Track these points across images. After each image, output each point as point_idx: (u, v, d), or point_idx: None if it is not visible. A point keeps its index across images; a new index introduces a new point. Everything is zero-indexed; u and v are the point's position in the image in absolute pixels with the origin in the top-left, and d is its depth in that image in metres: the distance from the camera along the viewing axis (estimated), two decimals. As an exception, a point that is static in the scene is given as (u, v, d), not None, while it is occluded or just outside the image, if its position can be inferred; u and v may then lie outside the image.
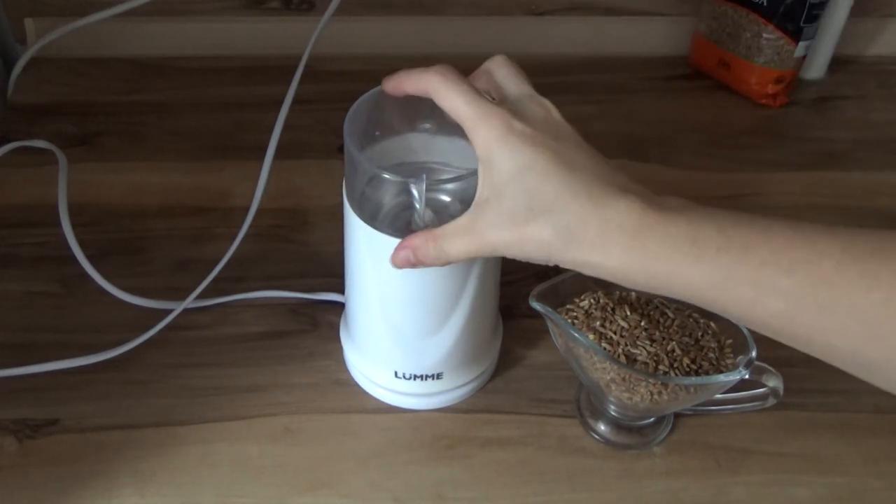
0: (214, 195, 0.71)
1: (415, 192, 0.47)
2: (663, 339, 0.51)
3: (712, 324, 0.53)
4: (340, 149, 0.76)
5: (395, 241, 0.46)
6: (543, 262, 0.41)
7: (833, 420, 0.57)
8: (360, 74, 0.84)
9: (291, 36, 0.74)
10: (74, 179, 0.68)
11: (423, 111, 0.49)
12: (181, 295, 0.61)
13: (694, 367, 0.51)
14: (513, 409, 0.57)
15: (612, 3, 0.86)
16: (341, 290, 0.58)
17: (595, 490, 0.53)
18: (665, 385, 0.50)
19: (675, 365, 0.50)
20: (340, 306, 0.60)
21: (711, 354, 0.52)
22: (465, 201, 0.46)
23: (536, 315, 0.52)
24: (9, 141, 0.74)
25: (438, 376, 0.55)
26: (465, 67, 0.93)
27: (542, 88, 0.90)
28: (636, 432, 0.56)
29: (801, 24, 0.78)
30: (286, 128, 0.64)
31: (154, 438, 0.55)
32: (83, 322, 0.60)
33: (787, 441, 0.56)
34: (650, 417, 0.56)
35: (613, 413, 0.55)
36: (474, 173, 0.42)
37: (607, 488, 0.53)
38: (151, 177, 0.72)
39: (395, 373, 0.55)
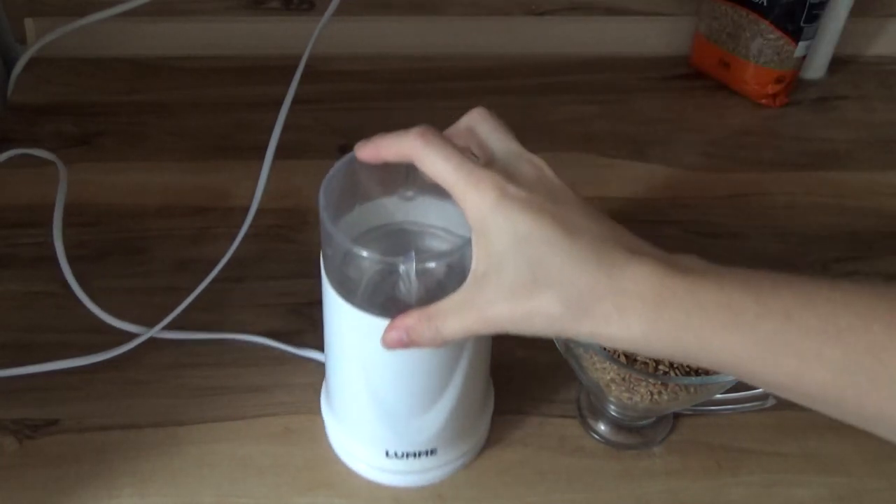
0: (214, 195, 0.71)
1: (404, 273, 0.43)
2: None
3: None
4: (340, 149, 0.76)
5: (380, 321, 0.43)
6: (554, 336, 0.39)
7: (833, 420, 0.57)
8: (360, 74, 0.84)
9: (291, 36, 0.74)
10: (74, 179, 0.68)
11: (403, 175, 0.46)
12: (181, 295, 0.61)
13: (694, 366, 0.51)
14: (513, 409, 0.57)
15: (612, 3, 0.86)
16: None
17: (595, 490, 0.53)
18: (665, 385, 0.50)
19: (675, 364, 0.50)
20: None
21: None
22: (452, 266, 0.44)
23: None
24: (9, 141, 0.75)
25: (432, 452, 0.51)
26: (464, 67, 0.93)
27: (542, 88, 0.90)
28: (636, 432, 0.56)
29: (801, 24, 0.78)
30: (286, 128, 0.64)
31: (154, 438, 0.55)
32: (83, 322, 0.60)
33: (787, 441, 0.56)
34: (650, 417, 0.56)
35: (613, 413, 0.55)
36: (467, 242, 0.39)
37: (607, 488, 0.53)
38: (151, 177, 0.72)
39: (386, 452, 0.51)
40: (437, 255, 0.43)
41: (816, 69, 0.87)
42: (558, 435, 0.56)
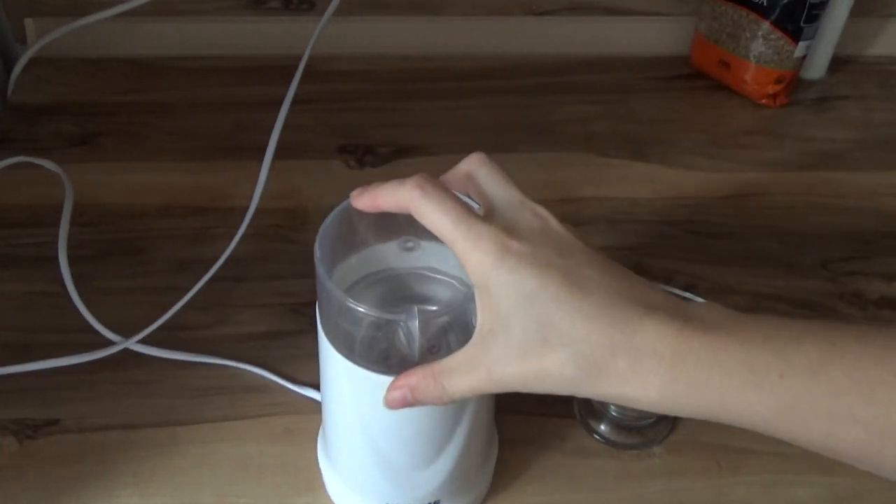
0: (214, 195, 0.71)
1: (405, 329, 0.41)
2: None
3: None
4: (340, 149, 0.76)
5: (379, 377, 0.42)
6: (568, 394, 0.37)
7: (833, 420, 0.57)
8: (360, 74, 0.84)
9: (291, 36, 0.74)
10: (74, 179, 0.68)
11: (401, 222, 0.44)
12: (181, 294, 0.61)
13: None
14: (513, 409, 0.57)
15: (612, 3, 0.86)
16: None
17: (595, 490, 0.53)
18: None
19: None
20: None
21: None
22: (456, 317, 0.44)
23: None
24: (9, 141, 0.75)
25: None
26: (464, 67, 0.93)
27: (542, 88, 0.90)
28: (636, 432, 0.56)
29: (801, 24, 0.78)
30: (286, 128, 0.64)
31: (154, 438, 0.55)
32: (83, 322, 0.60)
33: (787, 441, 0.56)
34: (651, 418, 0.56)
35: (614, 413, 0.55)
36: (470, 292, 0.38)
37: (607, 488, 0.53)
38: (151, 177, 0.72)
39: None
40: (440, 311, 0.41)
41: (816, 69, 0.87)
42: (558, 435, 0.56)
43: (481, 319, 0.37)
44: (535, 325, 0.35)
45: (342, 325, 0.44)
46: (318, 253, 0.41)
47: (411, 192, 0.37)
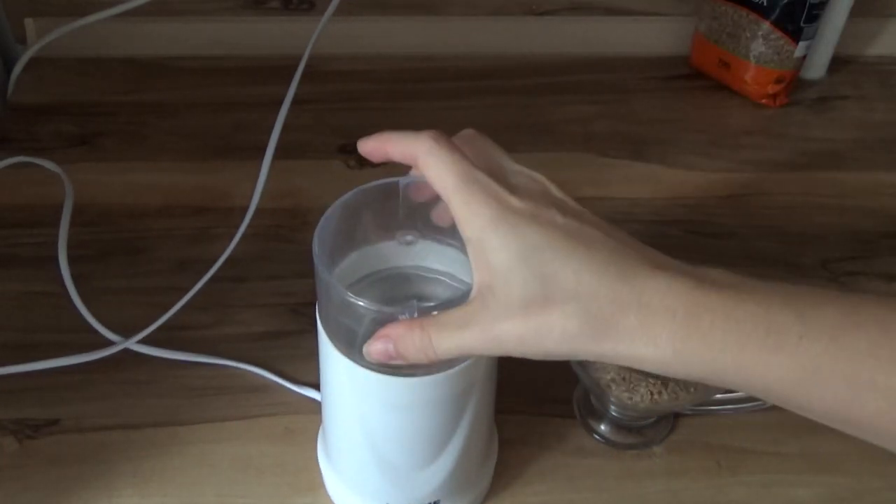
0: (214, 195, 0.71)
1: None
2: None
3: None
4: (340, 149, 0.76)
5: (378, 376, 0.42)
6: (567, 358, 0.36)
7: (833, 420, 0.57)
8: (360, 74, 0.84)
9: (291, 36, 0.74)
10: (74, 179, 0.68)
11: (401, 218, 0.44)
12: (181, 295, 0.61)
13: None
14: (513, 409, 0.57)
15: (612, 3, 0.86)
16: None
17: (595, 490, 0.53)
18: (665, 385, 0.50)
19: None
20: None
21: None
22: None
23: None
24: (9, 141, 0.75)
25: None
26: (464, 67, 0.93)
27: (542, 88, 0.90)
28: (636, 432, 0.56)
29: (801, 24, 0.78)
30: (286, 128, 0.64)
31: (154, 438, 0.55)
32: (83, 322, 0.60)
33: (787, 441, 0.56)
34: (650, 418, 0.56)
35: (614, 413, 0.55)
36: (470, 289, 0.38)
37: (607, 488, 0.53)
38: (151, 177, 0.72)
39: None
40: (439, 304, 0.40)
41: (816, 69, 0.87)
42: (558, 435, 0.56)
43: (478, 277, 0.36)
44: (537, 279, 0.34)
45: (342, 321, 0.44)
46: (316, 248, 0.41)
47: (424, 142, 0.37)
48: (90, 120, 0.78)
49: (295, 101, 0.64)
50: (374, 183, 0.43)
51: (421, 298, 0.49)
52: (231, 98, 0.81)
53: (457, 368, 0.42)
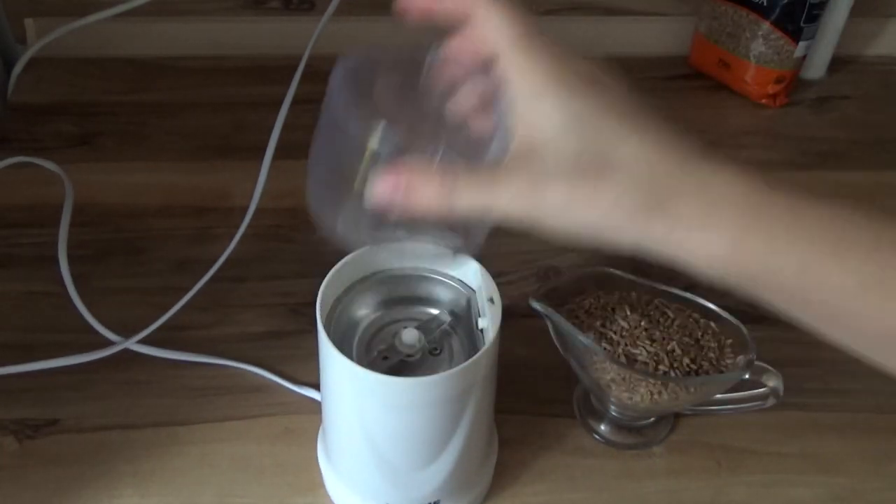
0: (214, 195, 0.71)
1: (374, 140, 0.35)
2: (663, 338, 0.51)
3: (712, 324, 0.53)
4: (340, 149, 0.76)
5: (380, 378, 0.42)
6: (607, 243, 0.32)
7: (833, 420, 0.57)
8: (360, 74, 0.84)
9: (291, 36, 0.74)
10: (74, 179, 0.68)
11: (417, 96, 0.39)
12: (181, 295, 0.61)
13: (694, 366, 0.50)
14: (513, 409, 0.57)
15: (612, 3, 0.86)
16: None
17: (595, 490, 0.53)
18: (665, 385, 0.50)
19: (675, 365, 0.50)
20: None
21: (712, 354, 0.51)
22: (455, 313, 0.45)
23: (536, 315, 0.51)
24: (9, 141, 0.75)
25: None
26: (465, 67, 0.92)
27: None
28: (636, 432, 0.56)
29: (801, 24, 0.78)
30: (286, 128, 0.64)
31: (154, 438, 0.55)
32: (83, 322, 0.60)
33: (787, 441, 0.56)
34: (650, 417, 0.56)
35: (614, 413, 0.55)
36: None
37: (607, 488, 0.53)
38: (151, 177, 0.72)
39: None
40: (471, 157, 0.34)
41: (816, 69, 0.87)
42: (558, 435, 0.56)
43: (522, 133, 0.32)
44: (595, 145, 0.31)
45: (343, 159, 0.38)
46: (339, 81, 0.36)
47: None
48: (90, 120, 0.78)
49: (295, 101, 0.64)
50: (398, 45, 0.38)
51: (422, 301, 0.49)
52: (231, 98, 0.81)
53: (457, 368, 0.42)
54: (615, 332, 0.52)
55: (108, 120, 0.78)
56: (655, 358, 0.50)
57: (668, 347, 0.51)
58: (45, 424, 0.55)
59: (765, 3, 0.79)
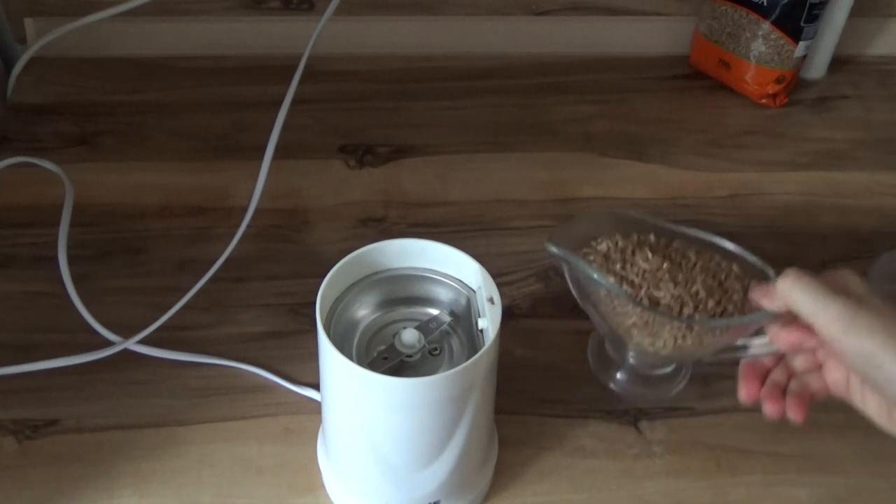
0: (214, 195, 0.71)
1: None
2: (686, 281, 0.49)
3: (735, 266, 0.51)
4: (340, 149, 0.76)
5: (380, 378, 0.42)
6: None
7: (833, 420, 0.57)
8: (360, 74, 0.84)
9: (291, 36, 0.74)
10: (74, 179, 0.68)
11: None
12: (181, 295, 0.61)
13: (719, 309, 0.48)
14: (513, 409, 0.57)
15: (612, 3, 0.86)
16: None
17: (595, 490, 0.53)
18: (690, 328, 0.48)
19: (700, 307, 0.48)
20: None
21: (736, 297, 0.49)
22: (455, 313, 0.46)
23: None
24: (9, 141, 0.75)
25: None
26: (464, 67, 0.93)
27: (542, 88, 0.90)
28: (652, 383, 0.54)
29: (802, 24, 0.78)
30: (286, 128, 0.64)
31: (154, 438, 0.55)
32: (83, 322, 0.60)
33: (787, 441, 0.56)
34: (670, 365, 0.54)
35: (631, 361, 0.53)
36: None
37: (607, 488, 0.53)
38: (151, 177, 0.72)
39: None
40: None
41: (816, 69, 0.87)
42: (558, 435, 0.56)
43: None
44: None
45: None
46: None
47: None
48: (90, 120, 0.78)
49: (295, 101, 0.64)
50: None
51: (422, 302, 0.49)
52: (231, 98, 0.81)
53: (457, 368, 0.42)
54: (636, 275, 0.49)
55: (107, 120, 0.78)
56: (680, 300, 0.48)
57: (693, 290, 0.49)
58: (45, 424, 0.55)
59: (765, 3, 0.79)
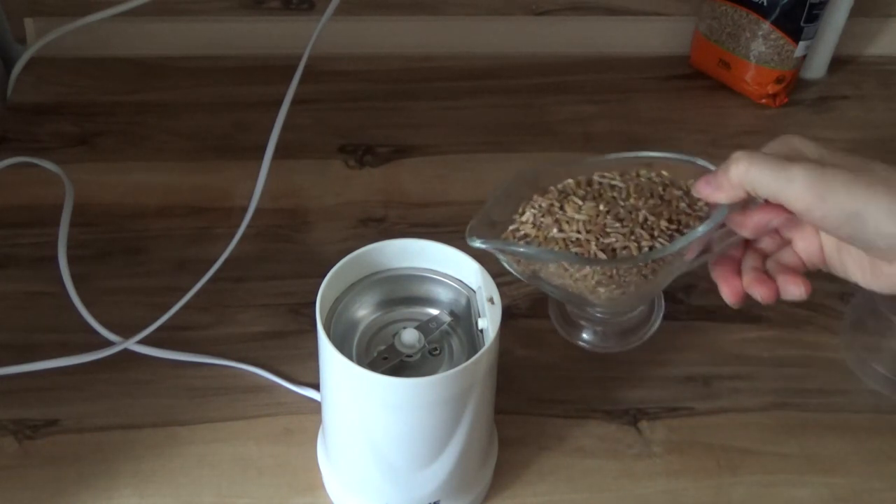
0: (214, 195, 0.71)
1: None
2: (630, 211, 0.45)
3: (665, 172, 0.47)
4: (340, 149, 0.76)
5: (379, 378, 0.42)
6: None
7: (833, 420, 0.57)
8: (360, 74, 0.84)
9: (291, 36, 0.74)
10: (74, 179, 0.68)
11: None
12: (181, 295, 0.61)
13: (673, 226, 0.45)
14: (513, 409, 0.57)
15: (612, 3, 0.86)
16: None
17: (595, 490, 0.53)
18: (659, 261, 0.44)
19: (657, 233, 0.45)
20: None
21: (682, 204, 0.46)
22: (455, 313, 0.45)
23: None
24: (8, 141, 0.75)
25: None
26: (464, 67, 0.93)
27: (542, 88, 0.90)
28: (621, 335, 0.54)
29: (801, 24, 0.78)
30: (286, 128, 0.64)
31: (154, 438, 0.55)
32: (83, 322, 0.60)
33: (787, 441, 0.56)
34: (641, 305, 0.52)
35: (599, 315, 0.52)
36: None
37: (607, 488, 0.53)
38: (151, 177, 0.72)
39: None
40: None
41: (816, 69, 0.87)
42: (558, 435, 0.56)
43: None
44: None
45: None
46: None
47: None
48: (90, 120, 0.78)
49: (295, 101, 0.64)
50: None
51: (422, 302, 0.49)
52: (231, 98, 0.81)
53: (457, 368, 0.42)
54: (577, 231, 0.45)
55: (107, 120, 0.78)
56: (634, 235, 0.44)
57: (640, 218, 0.45)
58: (45, 424, 0.55)
59: (765, 3, 0.79)
